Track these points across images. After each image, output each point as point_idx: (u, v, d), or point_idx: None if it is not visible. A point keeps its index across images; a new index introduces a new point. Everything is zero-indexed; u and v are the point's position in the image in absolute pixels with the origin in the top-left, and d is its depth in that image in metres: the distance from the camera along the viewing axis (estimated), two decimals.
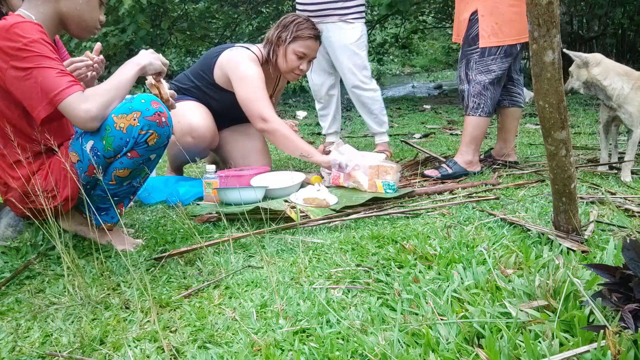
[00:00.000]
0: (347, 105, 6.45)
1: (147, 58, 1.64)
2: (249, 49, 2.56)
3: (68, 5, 1.60)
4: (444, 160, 2.75)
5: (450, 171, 2.55)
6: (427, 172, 2.59)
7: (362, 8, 3.14)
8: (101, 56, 1.89)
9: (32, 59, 1.43)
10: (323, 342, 1.03)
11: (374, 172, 2.23)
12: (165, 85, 1.74)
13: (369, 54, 3.44)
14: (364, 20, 3.17)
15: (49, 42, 1.48)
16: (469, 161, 2.58)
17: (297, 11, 3.22)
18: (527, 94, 6.21)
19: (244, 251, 1.65)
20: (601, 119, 2.43)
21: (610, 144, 2.56)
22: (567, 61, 1.80)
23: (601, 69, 2.27)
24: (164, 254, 1.57)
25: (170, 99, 1.73)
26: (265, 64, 2.59)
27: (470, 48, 2.54)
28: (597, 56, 2.30)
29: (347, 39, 3.09)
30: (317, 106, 3.50)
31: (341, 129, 3.59)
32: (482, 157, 2.87)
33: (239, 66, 2.46)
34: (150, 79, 1.72)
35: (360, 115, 3.39)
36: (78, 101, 1.45)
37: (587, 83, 2.31)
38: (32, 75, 1.43)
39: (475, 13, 2.51)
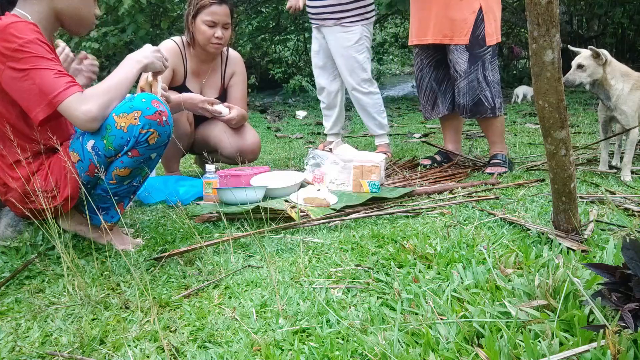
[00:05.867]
0: (347, 105, 6.44)
1: (150, 56, 1.63)
2: (173, 40, 2.64)
3: (63, 2, 1.59)
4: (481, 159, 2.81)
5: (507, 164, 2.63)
6: (491, 169, 2.57)
7: (362, 10, 3.11)
8: (92, 60, 1.90)
9: (28, 60, 1.42)
10: (323, 341, 1.03)
11: (358, 172, 2.23)
12: (159, 85, 1.74)
13: None
14: (366, 22, 3.14)
15: (45, 42, 1.47)
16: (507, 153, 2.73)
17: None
18: (528, 91, 6.22)
19: (243, 251, 1.65)
20: (600, 119, 2.43)
21: (613, 143, 2.56)
22: (567, 61, 1.79)
23: (611, 67, 2.23)
24: (164, 254, 1.57)
25: (162, 98, 1.73)
26: (192, 48, 2.64)
27: (482, 49, 2.55)
28: (606, 53, 2.24)
29: (344, 42, 3.10)
30: (322, 105, 3.48)
31: (342, 129, 3.58)
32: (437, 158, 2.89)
33: None
34: (143, 79, 1.71)
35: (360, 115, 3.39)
36: (77, 102, 1.45)
37: (596, 81, 2.25)
38: (29, 77, 1.42)
39: (480, 11, 2.50)
